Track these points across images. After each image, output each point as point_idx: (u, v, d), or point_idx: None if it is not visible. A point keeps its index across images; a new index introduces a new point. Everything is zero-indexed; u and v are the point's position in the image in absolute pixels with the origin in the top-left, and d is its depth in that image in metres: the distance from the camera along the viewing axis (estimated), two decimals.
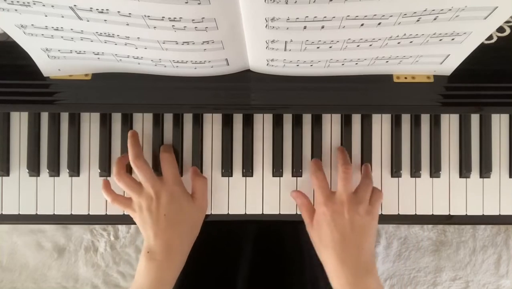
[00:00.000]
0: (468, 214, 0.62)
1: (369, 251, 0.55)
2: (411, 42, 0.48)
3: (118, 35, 0.46)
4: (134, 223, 0.58)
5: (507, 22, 0.56)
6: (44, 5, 0.42)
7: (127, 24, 0.44)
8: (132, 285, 0.55)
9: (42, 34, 0.48)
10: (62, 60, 0.53)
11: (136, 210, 0.56)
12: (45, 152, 0.61)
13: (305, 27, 0.44)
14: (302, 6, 0.40)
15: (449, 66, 0.55)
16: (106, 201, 0.61)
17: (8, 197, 0.61)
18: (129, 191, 0.56)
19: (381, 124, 0.62)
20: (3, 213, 0.61)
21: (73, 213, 0.61)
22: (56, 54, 0.52)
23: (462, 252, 1.21)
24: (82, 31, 0.46)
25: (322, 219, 0.56)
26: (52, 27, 0.46)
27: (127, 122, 0.61)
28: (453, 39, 0.48)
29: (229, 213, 0.61)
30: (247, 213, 0.61)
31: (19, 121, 0.61)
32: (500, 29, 0.56)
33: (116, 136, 0.61)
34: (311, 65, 0.53)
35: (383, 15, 0.42)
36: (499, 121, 0.63)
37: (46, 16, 0.44)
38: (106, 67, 0.55)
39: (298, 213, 0.61)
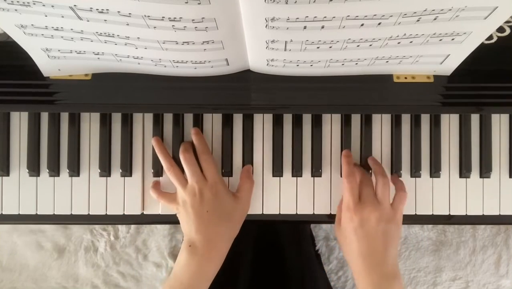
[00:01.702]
0: (468, 214, 0.62)
1: (394, 256, 0.56)
2: (411, 42, 0.48)
3: (118, 35, 0.46)
4: (133, 223, 0.58)
5: (507, 22, 0.56)
6: (44, 5, 0.42)
7: (127, 24, 0.44)
8: (171, 278, 0.55)
9: (42, 34, 0.48)
10: (62, 60, 0.53)
11: (180, 204, 0.57)
12: (45, 152, 0.61)
13: (305, 27, 0.44)
14: (302, 6, 0.40)
15: (449, 66, 0.55)
16: (106, 201, 0.61)
17: (8, 197, 0.61)
18: (177, 182, 0.58)
19: (381, 124, 0.62)
20: (3, 213, 0.61)
21: (73, 213, 0.61)
22: (56, 54, 0.52)
23: (462, 252, 1.21)
24: (82, 31, 0.46)
25: (349, 225, 0.57)
26: (52, 27, 0.46)
27: (127, 122, 0.61)
28: (453, 39, 0.48)
29: None
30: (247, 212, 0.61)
31: (19, 121, 0.61)
32: (500, 29, 0.56)
33: (116, 136, 0.61)
34: (311, 65, 0.53)
35: (383, 15, 0.42)
36: (499, 121, 0.63)
37: (46, 16, 0.44)
38: (106, 67, 0.55)
39: (298, 213, 0.61)
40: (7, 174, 0.61)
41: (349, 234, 0.57)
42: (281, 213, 0.62)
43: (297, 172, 0.61)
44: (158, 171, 0.61)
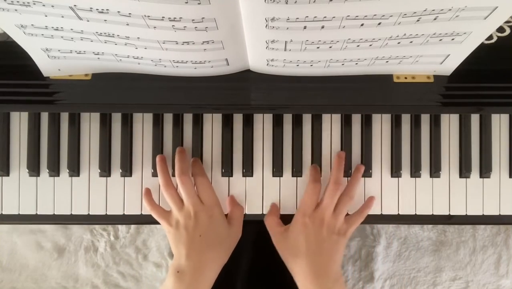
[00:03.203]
0: (468, 214, 0.62)
1: (338, 262, 0.58)
2: (411, 42, 0.48)
3: (118, 35, 0.46)
4: (133, 223, 0.58)
5: (507, 22, 0.56)
6: (44, 5, 0.42)
7: (127, 24, 0.44)
8: None
9: (42, 34, 0.48)
10: (62, 60, 0.53)
11: (172, 225, 0.56)
12: (45, 152, 0.61)
13: (305, 27, 0.44)
14: (302, 6, 0.40)
15: (449, 66, 0.55)
16: (106, 201, 0.61)
17: (8, 197, 0.61)
18: (172, 203, 0.57)
19: (381, 124, 0.62)
20: (3, 213, 0.61)
21: (73, 213, 0.61)
22: (56, 54, 0.52)
23: (462, 252, 1.21)
24: (82, 31, 0.46)
25: (300, 229, 0.57)
26: (52, 27, 0.46)
27: (127, 122, 0.61)
28: (453, 39, 0.48)
29: None
30: (247, 213, 0.61)
31: (19, 121, 0.61)
32: (500, 29, 0.56)
33: (116, 136, 0.61)
34: (311, 65, 0.53)
35: (383, 15, 0.42)
36: (499, 121, 0.63)
37: (46, 16, 0.44)
38: (106, 67, 0.55)
39: None
40: (7, 174, 0.61)
41: (300, 236, 0.57)
42: (281, 213, 0.62)
43: (297, 172, 0.61)
44: None
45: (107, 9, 0.41)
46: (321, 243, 0.56)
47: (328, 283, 0.55)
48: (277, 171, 0.61)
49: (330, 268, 0.56)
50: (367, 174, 0.62)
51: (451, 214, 0.62)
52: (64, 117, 0.61)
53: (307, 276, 0.55)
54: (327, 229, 0.57)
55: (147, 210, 0.60)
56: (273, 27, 0.44)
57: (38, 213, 0.61)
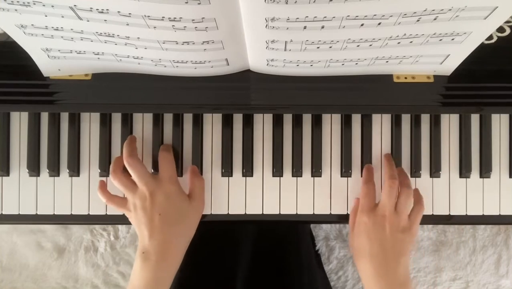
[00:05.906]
0: (468, 214, 0.62)
1: (406, 265, 0.56)
2: (411, 42, 0.48)
3: (118, 35, 0.46)
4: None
5: (507, 22, 0.56)
6: (44, 5, 0.42)
7: (127, 24, 0.44)
8: (128, 286, 0.54)
9: (42, 34, 0.48)
10: (62, 60, 0.53)
11: (131, 210, 0.56)
12: (45, 152, 0.61)
13: (305, 27, 0.44)
14: (302, 6, 0.40)
15: (449, 66, 0.55)
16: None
17: (8, 197, 0.61)
18: (124, 189, 0.56)
19: (381, 124, 0.62)
20: (3, 213, 0.61)
21: (73, 213, 0.61)
22: (56, 54, 0.52)
23: (462, 252, 1.21)
24: (82, 31, 0.46)
25: (362, 228, 0.57)
26: (52, 27, 0.46)
27: (127, 122, 0.61)
28: (453, 39, 0.48)
29: (229, 213, 0.61)
30: (247, 213, 0.61)
31: (19, 121, 0.61)
32: (500, 29, 0.56)
33: (116, 136, 0.61)
34: (311, 65, 0.53)
35: (383, 15, 0.42)
36: (499, 121, 0.63)
37: (46, 16, 0.44)
38: (106, 67, 0.55)
39: (298, 213, 0.61)
40: (7, 174, 0.61)
41: (362, 236, 0.57)
42: (281, 213, 0.62)
43: (297, 172, 0.61)
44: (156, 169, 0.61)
45: (107, 9, 0.41)
46: (384, 242, 0.55)
47: (393, 286, 0.54)
48: (277, 171, 0.61)
49: (395, 270, 0.54)
50: None
51: (451, 214, 0.62)
52: (64, 117, 0.61)
53: (370, 278, 0.55)
54: (390, 228, 0.55)
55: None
56: (273, 27, 0.44)
57: (38, 213, 0.61)
